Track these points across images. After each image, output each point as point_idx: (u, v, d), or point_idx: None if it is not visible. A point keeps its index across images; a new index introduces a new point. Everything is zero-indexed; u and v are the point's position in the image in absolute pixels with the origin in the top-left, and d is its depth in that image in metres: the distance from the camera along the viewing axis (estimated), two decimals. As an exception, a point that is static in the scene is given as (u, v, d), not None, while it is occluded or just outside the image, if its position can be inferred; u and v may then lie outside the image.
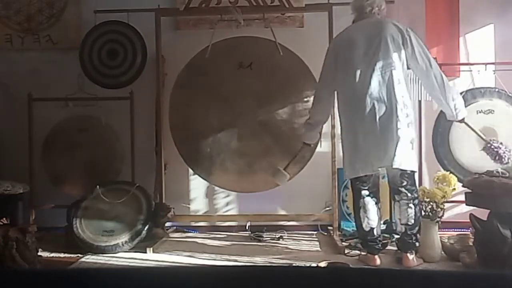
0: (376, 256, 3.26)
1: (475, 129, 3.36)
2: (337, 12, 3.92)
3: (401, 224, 3.18)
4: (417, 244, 3.21)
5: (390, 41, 3.12)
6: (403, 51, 3.13)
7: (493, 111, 3.81)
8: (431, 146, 3.96)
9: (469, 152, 3.76)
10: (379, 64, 3.10)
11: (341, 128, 3.31)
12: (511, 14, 4.21)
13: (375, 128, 3.08)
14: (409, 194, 3.16)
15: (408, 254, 3.19)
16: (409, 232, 3.16)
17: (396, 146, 3.03)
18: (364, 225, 3.24)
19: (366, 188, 3.24)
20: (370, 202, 3.24)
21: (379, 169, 3.23)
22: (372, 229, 3.24)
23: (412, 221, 3.15)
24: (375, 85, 3.09)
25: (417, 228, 3.20)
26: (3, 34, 4.44)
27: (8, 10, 4.45)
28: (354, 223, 3.57)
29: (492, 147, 3.29)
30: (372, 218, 3.23)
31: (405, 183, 3.15)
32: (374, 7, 3.28)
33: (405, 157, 3.07)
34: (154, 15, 3.96)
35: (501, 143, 3.30)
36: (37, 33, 4.44)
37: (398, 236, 3.44)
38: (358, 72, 3.14)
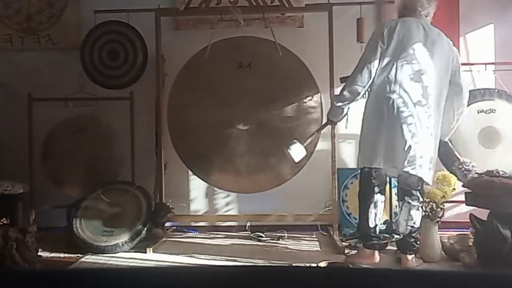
0: (376, 252, 3.26)
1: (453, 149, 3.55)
2: (337, 12, 3.93)
3: (407, 225, 3.17)
4: (416, 245, 3.22)
5: (448, 51, 3.15)
6: (450, 66, 3.16)
7: (494, 110, 3.83)
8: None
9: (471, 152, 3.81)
10: (431, 70, 3.07)
11: (366, 112, 3.19)
12: (511, 14, 4.21)
13: (408, 129, 3.02)
14: (420, 198, 3.18)
15: (408, 255, 3.20)
16: (413, 234, 3.18)
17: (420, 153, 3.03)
18: (370, 221, 3.22)
19: (377, 184, 3.22)
20: (380, 199, 3.24)
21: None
22: (376, 225, 3.25)
23: (418, 223, 3.19)
24: (416, 86, 3.05)
25: (419, 230, 3.23)
26: (3, 34, 4.44)
27: (8, 10, 4.46)
28: (357, 219, 3.53)
29: (463, 167, 3.55)
30: (379, 215, 3.25)
31: (420, 186, 3.17)
32: (430, 13, 3.24)
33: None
34: (154, 15, 3.96)
35: (469, 164, 3.58)
36: (37, 33, 4.44)
37: (398, 237, 3.45)
38: (411, 67, 3.06)
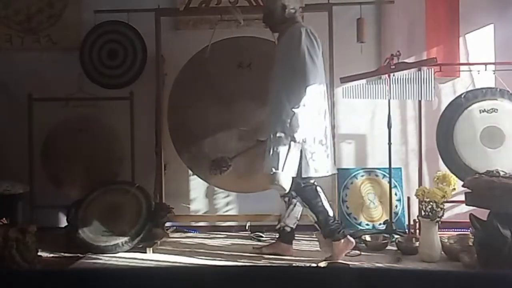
0: (350, 237, 3.32)
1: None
2: (337, 12, 3.92)
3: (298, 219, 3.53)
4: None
5: None
6: None
7: (496, 110, 3.83)
8: (431, 146, 3.96)
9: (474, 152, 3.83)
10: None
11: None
12: (511, 14, 4.21)
13: (328, 134, 3.36)
14: None
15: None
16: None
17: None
18: (329, 212, 3.30)
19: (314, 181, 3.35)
20: (320, 190, 3.35)
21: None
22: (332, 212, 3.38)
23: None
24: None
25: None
26: (3, 34, 4.44)
27: (8, 10, 4.45)
28: (356, 219, 3.70)
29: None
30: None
31: None
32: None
33: None
34: (154, 15, 3.96)
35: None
36: (37, 33, 4.43)
37: (398, 237, 3.44)
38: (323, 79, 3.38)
